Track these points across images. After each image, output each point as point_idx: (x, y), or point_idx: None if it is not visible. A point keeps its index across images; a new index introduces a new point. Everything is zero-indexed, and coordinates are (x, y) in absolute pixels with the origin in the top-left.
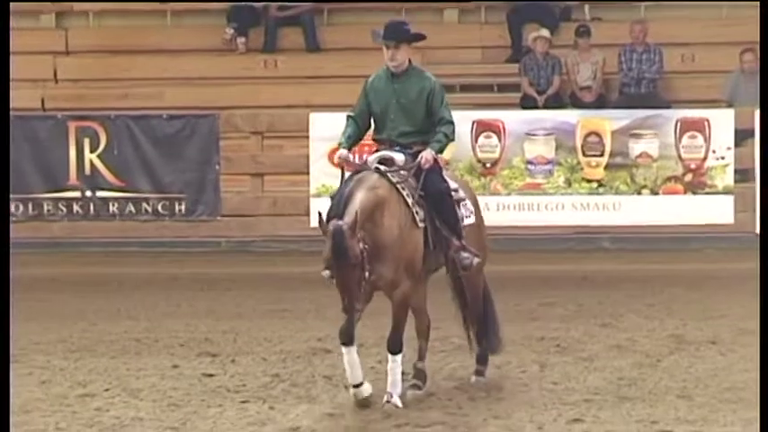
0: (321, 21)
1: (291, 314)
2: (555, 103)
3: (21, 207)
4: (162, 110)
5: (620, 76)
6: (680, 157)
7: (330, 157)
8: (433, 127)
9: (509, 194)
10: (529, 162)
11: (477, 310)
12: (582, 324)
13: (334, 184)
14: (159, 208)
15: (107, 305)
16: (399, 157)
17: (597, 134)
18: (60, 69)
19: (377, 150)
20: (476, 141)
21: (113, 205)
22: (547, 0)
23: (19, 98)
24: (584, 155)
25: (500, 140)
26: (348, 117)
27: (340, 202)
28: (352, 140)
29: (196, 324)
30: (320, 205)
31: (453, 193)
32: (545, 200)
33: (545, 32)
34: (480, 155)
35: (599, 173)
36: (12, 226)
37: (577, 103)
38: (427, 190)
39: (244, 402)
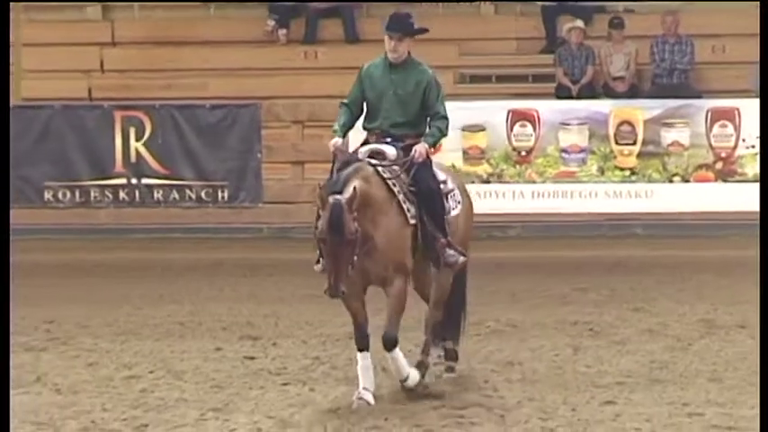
0: (360, 12)
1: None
2: (588, 93)
3: (68, 194)
4: (205, 100)
5: (652, 66)
6: (711, 145)
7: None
8: (425, 120)
9: (543, 182)
10: (563, 150)
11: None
12: (614, 309)
13: None
14: (203, 195)
15: (152, 290)
16: (391, 151)
17: (630, 123)
18: (107, 60)
19: (366, 141)
20: (511, 130)
21: (158, 192)
22: (581, 1)
23: (66, 88)
24: (616, 143)
25: (535, 129)
26: (342, 104)
27: (338, 182)
28: (347, 128)
29: (238, 308)
30: None
31: (442, 185)
32: (579, 187)
33: (579, 23)
34: (515, 143)
35: (631, 161)
36: (59, 213)
37: (610, 93)
38: (418, 187)
39: (285, 384)
